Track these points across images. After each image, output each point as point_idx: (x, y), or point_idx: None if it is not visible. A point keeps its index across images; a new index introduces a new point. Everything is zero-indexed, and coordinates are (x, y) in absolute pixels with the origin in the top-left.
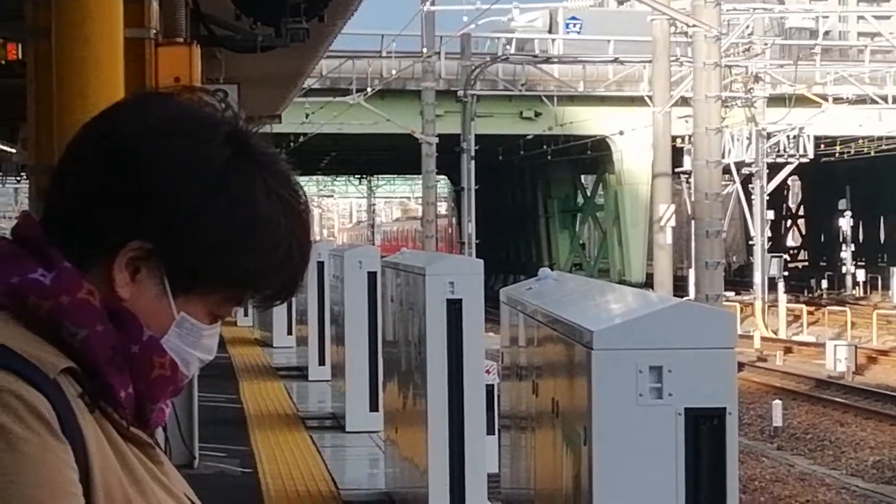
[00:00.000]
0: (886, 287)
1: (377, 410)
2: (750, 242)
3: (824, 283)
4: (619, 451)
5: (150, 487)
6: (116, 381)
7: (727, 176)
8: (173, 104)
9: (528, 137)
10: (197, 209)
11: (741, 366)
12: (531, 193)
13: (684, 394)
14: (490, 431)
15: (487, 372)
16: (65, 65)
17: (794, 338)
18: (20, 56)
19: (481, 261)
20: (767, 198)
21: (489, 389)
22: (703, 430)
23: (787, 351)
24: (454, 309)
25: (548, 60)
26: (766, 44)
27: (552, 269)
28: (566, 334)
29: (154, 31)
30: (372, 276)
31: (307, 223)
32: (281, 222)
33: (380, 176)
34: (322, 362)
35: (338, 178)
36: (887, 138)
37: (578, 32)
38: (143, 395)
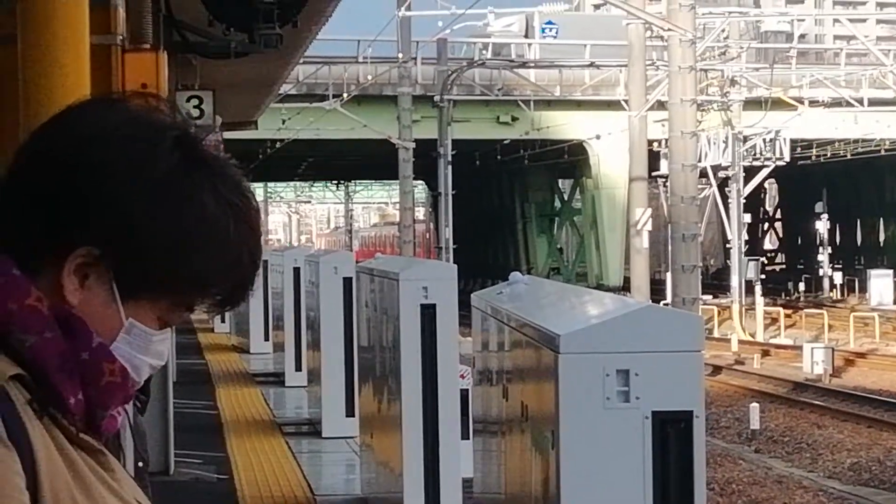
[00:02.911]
0: (863, 290)
1: (353, 416)
2: (727, 246)
3: (801, 286)
4: (586, 455)
5: (99, 493)
6: (66, 388)
7: (704, 179)
8: (122, 110)
9: (505, 142)
10: (145, 215)
11: (718, 369)
12: (508, 198)
13: (651, 397)
14: (465, 436)
15: (462, 376)
16: (30, 72)
17: (772, 341)
18: None
19: (455, 266)
20: (744, 201)
21: (463, 394)
22: (671, 433)
23: (765, 354)
24: (428, 314)
25: (524, 65)
26: (741, 47)
27: (530, 274)
28: (535, 338)
29: (121, 38)
30: (347, 282)
31: (257, 228)
32: (230, 227)
33: (357, 181)
34: (299, 368)
35: (315, 184)
36: (863, 141)
37: (554, 37)
38: (93, 401)
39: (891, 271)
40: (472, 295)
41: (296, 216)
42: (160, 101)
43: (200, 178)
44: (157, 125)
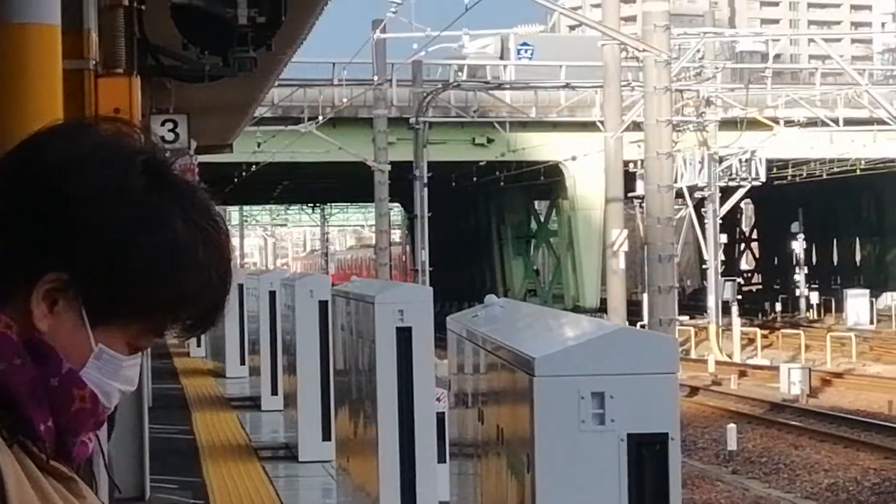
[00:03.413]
0: (840, 309)
1: (330, 440)
2: (703, 266)
3: (778, 307)
4: (561, 478)
5: None
6: (36, 415)
7: (680, 200)
8: (90, 135)
9: (481, 164)
10: (114, 241)
11: (696, 390)
12: (485, 220)
13: (626, 420)
14: (441, 459)
15: (438, 400)
16: (2, 96)
17: (749, 361)
18: None
19: (430, 289)
20: (720, 221)
21: (440, 417)
22: (646, 455)
23: (742, 374)
24: (404, 337)
25: (500, 87)
26: (717, 67)
27: (507, 295)
28: (509, 361)
29: (94, 62)
30: (323, 305)
31: (227, 252)
32: (200, 252)
33: (333, 204)
34: (275, 392)
35: (291, 207)
36: (839, 161)
37: (530, 58)
38: (63, 428)
39: (867, 291)
40: (447, 318)
41: (272, 239)
42: (129, 126)
43: (169, 203)
44: (126, 150)
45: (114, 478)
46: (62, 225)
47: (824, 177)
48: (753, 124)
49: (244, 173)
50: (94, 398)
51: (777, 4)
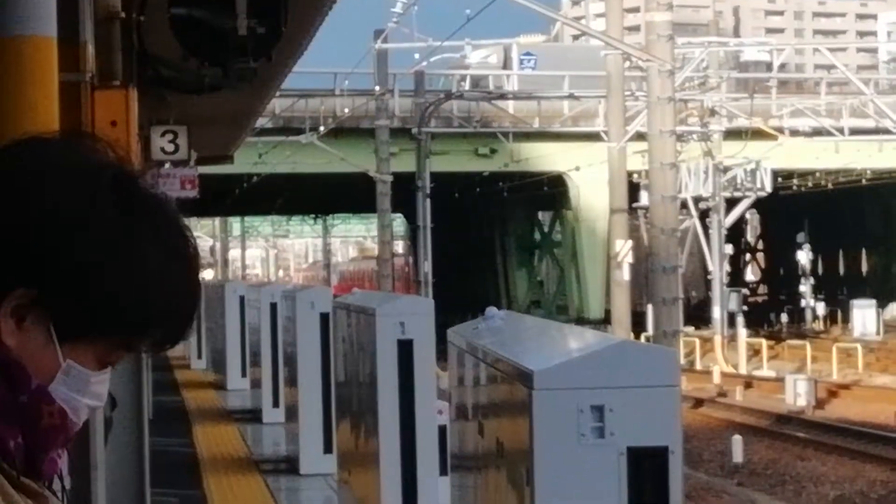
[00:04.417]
0: (846, 320)
1: (331, 452)
2: (708, 277)
3: (784, 317)
4: (561, 492)
5: None
6: (5, 432)
7: (685, 210)
8: (57, 149)
9: (484, 174)
10: (83, 258)
11: (701, 401)
12: (488, 231)
13: (626, 433)
14: (443, 472)
15: (440, 412)
16: None
17: (754, 373)
18: None
19: (432, 301)
20: (726, 232)
21: (441, 430)
22: (646, 469)
23: (747, 386)
24: (405, 349)
25: (502, 97)
26: (721, 77)
27: (510, 307)
28: (509, 374)
29: (90, 75)
30: (324, 318)
31: (195, 267)
32: (169, 268)
33: (335, 215)
34: (276, 404)
35: (293, 218)
36: (844, 171)
37: (533, 68)
38: (33, 444)
39: (874, 301)
40: (448, 330)
41: (273, 250)
42: (97, 140)
43: (138, 219)
44: (94, 166)
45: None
46: (29, 242)
47: (830, 187)
48: (758, 134)
49: (245, 184)
50: (63, 414)
51: (782, 14)
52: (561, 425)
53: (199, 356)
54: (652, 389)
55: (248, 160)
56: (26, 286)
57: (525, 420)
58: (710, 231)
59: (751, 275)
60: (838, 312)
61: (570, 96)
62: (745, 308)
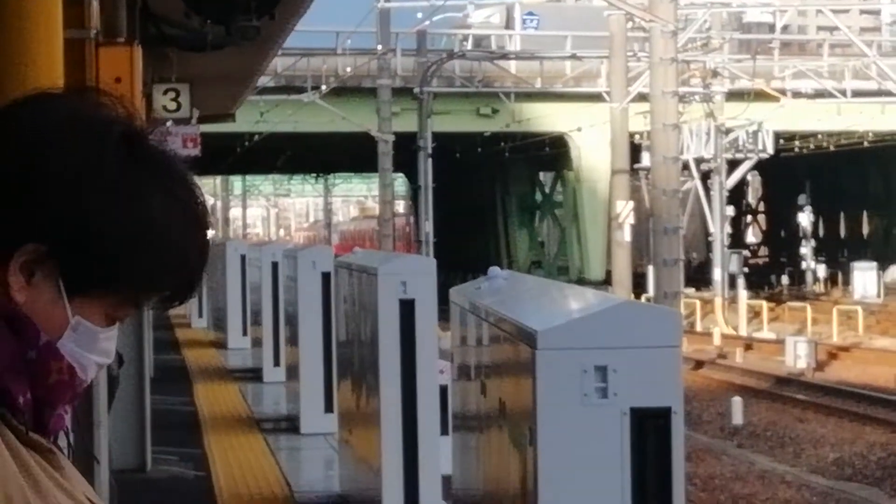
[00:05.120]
0: (847, 283)
1: (332, 412)
2: (709, 239)
3: (785, 280)
4: (564, 452)
5: (52, 493)
6: (15, 387)
7: (686, 172)
8: (65, 105)
9: (486, 135)
10: (92, 212)
11: (701, 363)
12: (489, 191)
13: (629, 393)
14: (444, 432)
15: (442, 372)
16: (2, 68)
17: (755, 334)
18: None
19: (434, 260)
20: (727, 194)
21: (443, 390)
22: (649, 429)
23: (748, 348)
24: (407, 309)
25: (505, 57)
26: (723, 39)
27: (511, 267)
28: (512, 334)
29: (94, 32)
30: (326, 277)
31: (204, 223)
32: (177, 223)
33: (336, 174)
34: (277, 364)
35: (294, 177)
36: (846, 133)
37: (535, 28)
38: (41, 400)
39: (874, 264)
40: (450, 290)
41: (274, 210)
42: (105, 95)
43: (146, 174)
44: (102, 121)
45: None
46: (38, 197)
47: (832, 149)
48: (760, 96)
49: (247, 143)
50: (72, 370)
51: None
52: (564, 385)
53: (200, 315)
54: (655, 350)
55: (249, 119)
56: (35, 242)
57: (528, 380)
58: (712, 193)
59: (752, 237)
60: (839, 275)
61: (573, 57)
62: (745, 270)
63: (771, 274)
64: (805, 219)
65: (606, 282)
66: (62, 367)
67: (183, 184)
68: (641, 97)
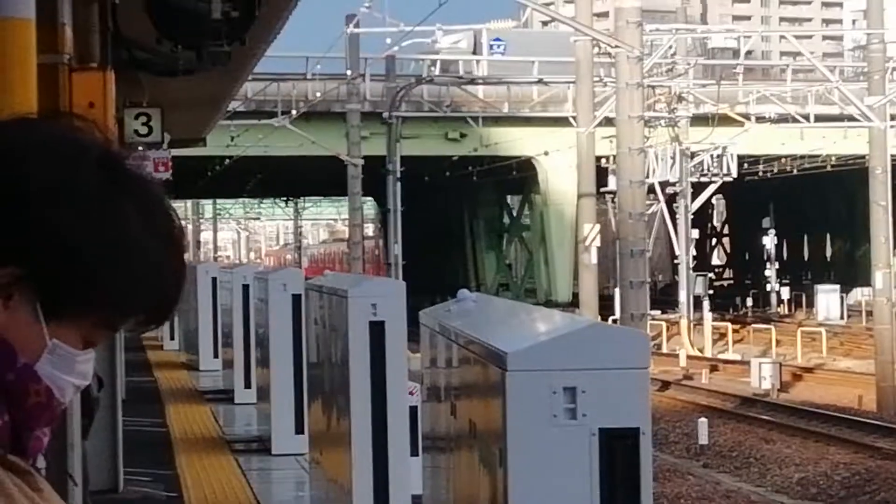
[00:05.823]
0: (811, 305)
1: (303, 433)
2: (675, 261)
3: (749, 302)
4: (534, 472)
5: None
6: None
7: (652, 195)
8: (42, 128)
9: (454, 158)
10: (69, 235)
11: (667, 384)
12: (457, 214)
13: (598, 414)
14: (414, 453)
15: (411, 393)
16: None
17: (720, 356)
18: None
19: (404, 283)
20: (692, 217)
21: (413, 411)
22: (618, 450)
23: (713, 369)
24: (377, 331)
25: (472, 81)
26: (688, 64)
27: (479, 290)
28: (482, 355)
29: (68, 57)
30: (296, 299)
31: (180, 247)
32: (154, 247)
33: (306, 198)
34: (248, 385)
35: (264, 201)
36: (809, 157)
37: (503, 53)
38: (19, 423)
39: (837, 286)
40: (420, 312)
41: (245, 233)
42: (82, 120)
43: (124, 197)
44: (79, 145)
45: (88, 474)
46: (16, 220)
47: (795, 173)
48: (725, 120)
49: (217, 167)
50: (49, 393)
51: (748, 1)
52: (534, 406)
53: (172, 337)
54: (624, 371)
55: (220, 143)
56: (13, 264)
57: (498, 401)
58: (677, 216)
59: (716, 259)
60: (803, 297)
61: (540, 81)
62: (710, 292)
63: (735, 296)
64: (769, 241)
65: (573, 304)
66: (40, 390)
67: (160, 207)
68: (608, 121)
